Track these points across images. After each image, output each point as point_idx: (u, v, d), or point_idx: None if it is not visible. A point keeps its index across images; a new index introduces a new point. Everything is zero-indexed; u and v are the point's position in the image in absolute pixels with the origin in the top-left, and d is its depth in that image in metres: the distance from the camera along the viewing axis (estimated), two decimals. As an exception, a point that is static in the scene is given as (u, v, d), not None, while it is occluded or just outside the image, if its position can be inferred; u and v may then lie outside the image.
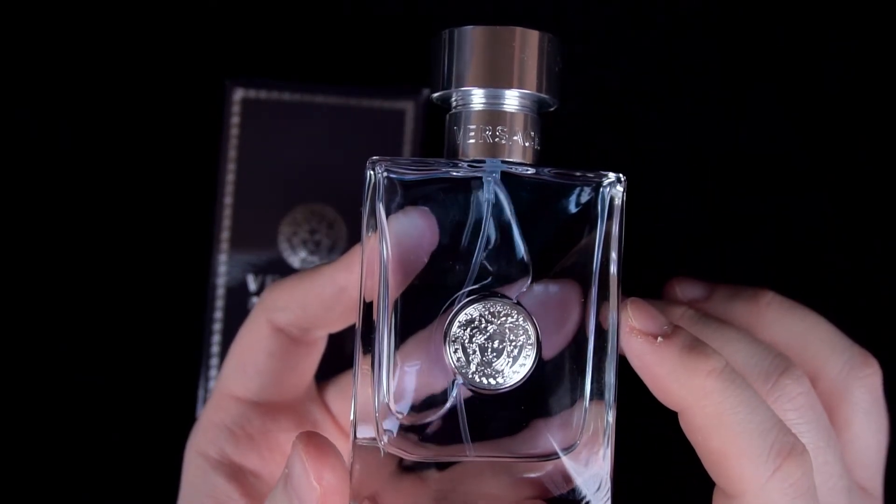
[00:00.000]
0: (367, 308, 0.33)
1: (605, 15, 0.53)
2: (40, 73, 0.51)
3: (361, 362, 0.33)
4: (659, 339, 0.33)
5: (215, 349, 0.48)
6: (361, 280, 0.34)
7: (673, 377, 0.33)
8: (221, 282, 0.48)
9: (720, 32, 0.52)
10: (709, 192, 0.52)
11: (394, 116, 0.49)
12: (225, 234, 0.48)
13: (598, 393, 0.34)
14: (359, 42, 0.52)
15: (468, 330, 0.33)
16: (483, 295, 0.34)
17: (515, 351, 0.33)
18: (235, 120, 0.49)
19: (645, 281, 0.51)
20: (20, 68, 0.51)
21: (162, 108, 0.51)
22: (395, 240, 0.33)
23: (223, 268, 0.48)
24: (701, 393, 0.32)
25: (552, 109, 0.36)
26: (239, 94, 0.49)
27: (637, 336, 0.33)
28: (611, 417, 0.34)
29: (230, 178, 0.48)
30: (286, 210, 0.48)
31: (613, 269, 0.34)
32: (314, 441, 0.32)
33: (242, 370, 0.39)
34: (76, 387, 0.50)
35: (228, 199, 0.48)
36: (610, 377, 0.34)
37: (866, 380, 0.38)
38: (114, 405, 0.50)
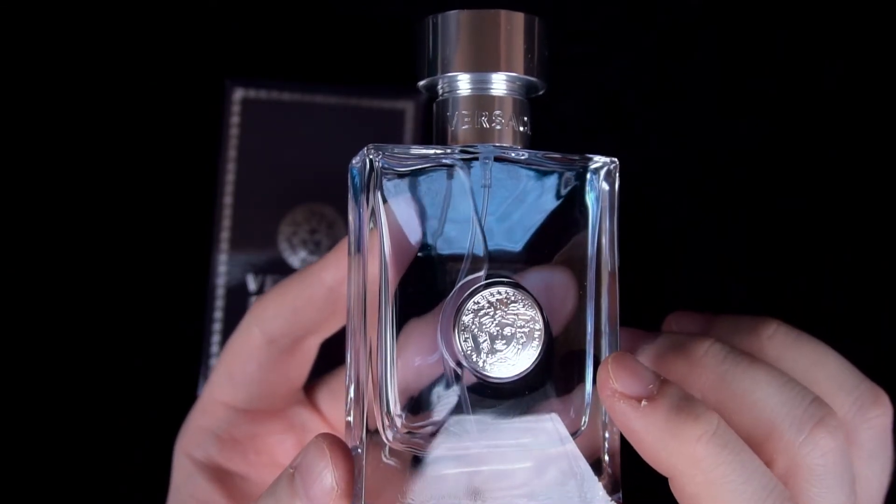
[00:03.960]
0: (363, 301, 0.32)
1: (606, 14, 0.53)
2: (40, 72, 0.51)
3: (360, 357, 0.33)
4: (643, 402, 0.31)
5: (215, 349, 0.48)
6: (358, 273, 0.33)
7: (660, 444, 0.30)
8: (221, 282, 0.48)
9: (720, 32, 0.53)
10: (709, 191, 0.52)
11: (394, 116, 0.49)
12: (225, 234, 0.48)
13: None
14: (359, 42, 0.52)
15: (478, 317, 0.32)
16: (491, 281, 0.33)
17: (524, 339, 0.33)
18: (235, 120, 0.49)
19: (645, 280, 0.51)
20: (20, 68, 0.51)
21: (162, 108, 0.51)
22: (391, 229, 0.33)
23: (223, 268, 0.48)
24: (690, 461, 0.30)
25: (541, 93, 0.35)
26: (239, 94, 0.49)
27: (619, 400, 0.31)
28: None
29: (230, 178, 0.48)
30: (286, 210, 0.48)
31: (609, 252, 0.34)
32: (337, 442, 0.32)
33: (231, 379, 0.39)
34: (76, 386, 0.50)
35: (228, 199, 0.48)
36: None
37: (874, 421, 0.35)
38: (114, 405, 0.50)
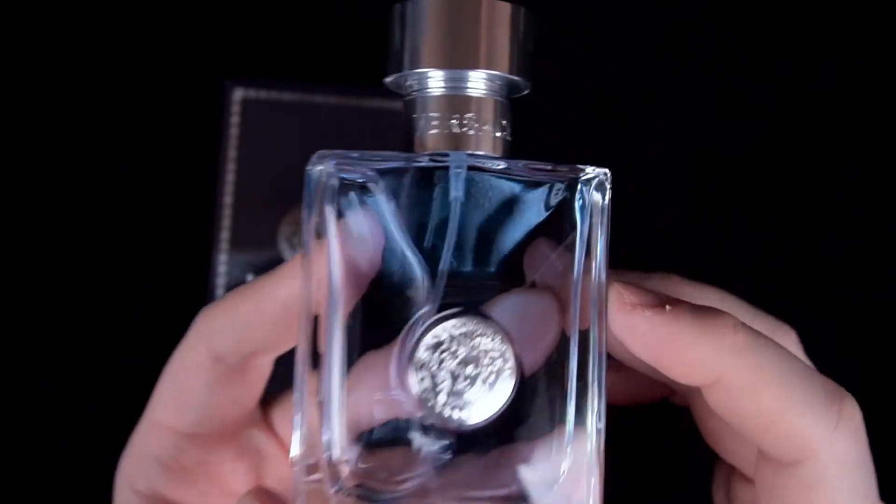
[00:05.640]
0: (314, 325, 0.29)
1: (605, 14, 0.53)
2: (40, 72, 0.51)
3: (307, 389, 0.29)
4: (667, 307, 0.29)
5: (215, 349, 0.48)
6: (305, 293, 0.29)
7: (699, 341, 0.28)
8: (221, 282, 0.48)
9: (720, 31, 0.52)
10: (709, 191, 0.52)
11: (393, 116, 0.49)
12: (225, 234, 0.48)
13: (582, 419, 0.29)
14: (359, 42, 0.52)
15: (437, 353, 0.28)
16: (453, 312, 0.29)
17: (492, 377, 0.28)
18: (235, 120, 0.49)
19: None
20: (20, 68, 0.51)
21: (162, 108, 0.51)
22: (344, 246, 0.28)
23: (223, 268, 0.48)
24: (734, 351, 0.28)
25: (525, 93, 0.31)
26: (239, 94, 0.49)
27: (642, 311, 0.29)
28: (594, 445, 0.29)
29: (230, 178, 0.48)
30: (286, 210, 0.48)
31: (598, 274, 0.29)
32: (268, 498, 0.30)
33: (176, 401, 0.35)
34: (76, 387, 0.50)
35: (228, 199, 0.48)
36: (594, 400, 0.29)
37: (784, 338, 0.34)
38: (114, 405, 0.50)
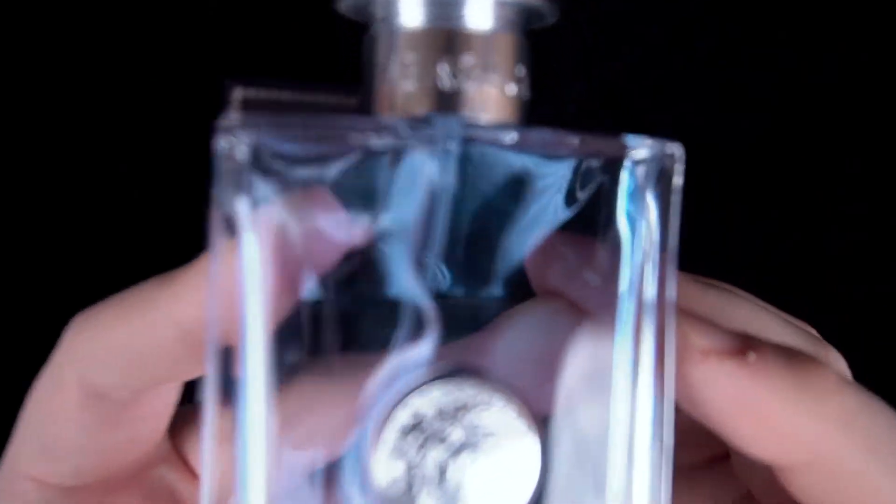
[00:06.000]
0: (227, 356, 0.20)
1: (612, 10, 0.53)
2: (40, 72, 0.51)
3: (213, 437, 0.20)
4: (751, 354, 0.20)
5: (216, 349, 0.48)
6: (211, 312, 0.21)
7: (797, 407, 0.20)
8: (222, 281, 0.48)
9: (722, 25, 0.52)
10: (710, 185, 0.52)
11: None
12: (225, 234, 0.48)
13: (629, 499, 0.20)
14: (359, 42, 0.52)
15: (416, 437, 0.19)
16: (439, 373, 0.19)
17: (500, 469, 0.19)
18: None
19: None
20: (19, 68, 0.51)
21: (162, 108, 0.51)
22: (272, 247, 0.19)
23: (224, 267, 0.48)
24: (841, 420, 0.20)
25: (548, 23, 0.20)
26: (239, 94, 0.49)
27: (719, 361, 0.20)
28: None
29: (230, 177, 0.49)
30: (286, 209, 0.48)
31: (655, 292, 0.20)
32: None
33: (44, 448, 0.26)
34: (78, 388, 0.50)
35: (228, 199, 0.48)
36: (657, 473, 0.20)
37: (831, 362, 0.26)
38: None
